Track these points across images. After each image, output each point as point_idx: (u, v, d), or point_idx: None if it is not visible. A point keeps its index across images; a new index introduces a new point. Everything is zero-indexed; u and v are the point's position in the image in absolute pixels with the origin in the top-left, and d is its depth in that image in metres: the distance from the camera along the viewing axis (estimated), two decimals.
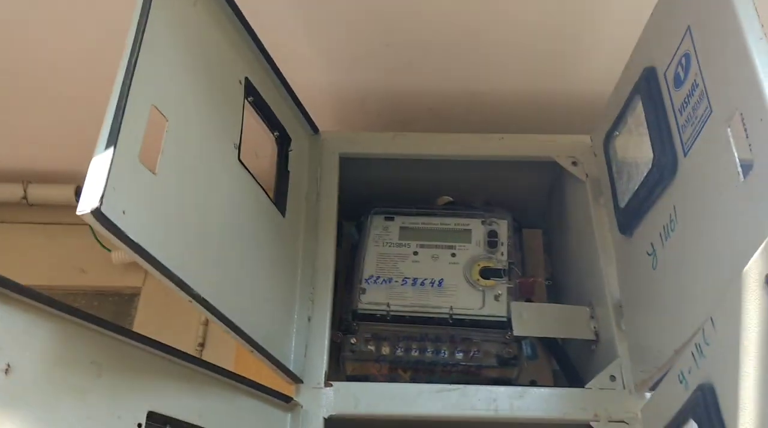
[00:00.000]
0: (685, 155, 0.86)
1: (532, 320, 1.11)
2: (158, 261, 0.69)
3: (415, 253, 1.23)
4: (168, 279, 0.71)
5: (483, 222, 1.25)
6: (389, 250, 1.23)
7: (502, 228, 1.24)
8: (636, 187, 0.97)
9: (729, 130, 0.75)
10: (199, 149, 0.81)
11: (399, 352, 1.16)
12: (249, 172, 0.93)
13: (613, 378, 1.00)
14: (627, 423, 0.96)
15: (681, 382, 0.81)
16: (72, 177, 1.51)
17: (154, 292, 1.46)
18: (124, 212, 0.67)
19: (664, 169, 0.89)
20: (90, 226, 1.56)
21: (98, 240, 1.46)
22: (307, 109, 1.17)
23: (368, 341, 1.16)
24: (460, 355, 1.15)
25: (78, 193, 1.46)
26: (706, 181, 0.81)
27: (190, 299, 0.75)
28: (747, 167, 0.72)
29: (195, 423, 0.82)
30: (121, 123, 0.66)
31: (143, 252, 0.67)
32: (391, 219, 1.27)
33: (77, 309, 0.70)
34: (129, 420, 0.74)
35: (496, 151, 1.22)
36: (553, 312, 1.14)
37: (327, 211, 1.13)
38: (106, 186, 0.63)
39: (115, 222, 0.65)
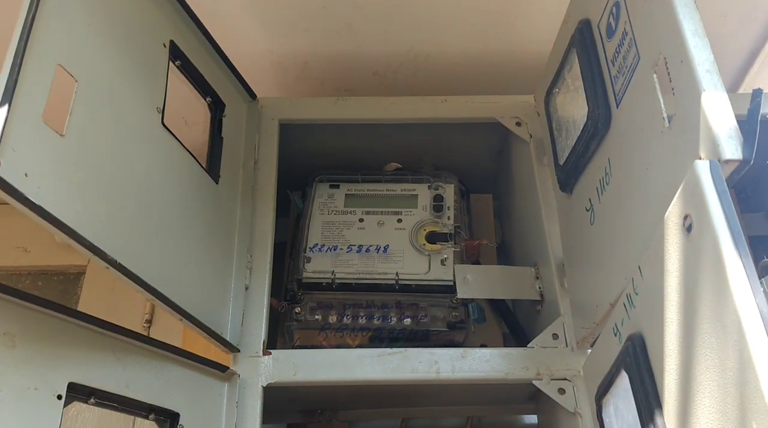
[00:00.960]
0: (617, 106, 0.85)
1: (477, 282, 1.10)
2: (65, 224, 0.66)
3: (361, 220, 1.21)
4: (78, 243, 0.68)
5: (429, 187, 1.23)
6: (334, 218, 1.21)
7: (449, 192, 1.22)
8: (573, 143, 0.96)
9: (655, 75, 0.74)
10: (113, 112, 0.78)
11: (346, 320, 1.15)
12: (175, 137, 0.90)
13: (555, 336, 0.99)
14: (569, 381, 0.95)
15: (615, 335, 0.80)
16: None
17: (99, 271, 1.42)
18: (26, 175, 0.64)
19: (598, 122, 0.88)
20: None
21: None
22: (246, 77, 1.14)
23: (314, 310, 1.15)
24: (407, 321, 1.14)
25: None
26: (635, 130, 0.79)
27: (107, 265, 0.72)
28: (671, 114, 0.71)
29: (123, 394, 0.79)
30: (17, 80, 0.63)
31: (48, 216, 0.65)
32: (336, 186, 1.25)
33: None
34: (47, 392, 0.72)
35: (440, 113, 1.20)
36: (498, 273, 1.13)
37: (266, 178, 1.10)
38: (1, 146, 0.60)
39: (16, 185, 0.62)
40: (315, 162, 1.27)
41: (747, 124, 0.61)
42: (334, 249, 1.17)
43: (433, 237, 1.17)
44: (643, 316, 0.72)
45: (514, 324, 1.18)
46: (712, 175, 0.58)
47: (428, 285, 1.14)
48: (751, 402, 0.49)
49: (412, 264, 1.15)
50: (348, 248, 1.17)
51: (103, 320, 0.79)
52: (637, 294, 0.73)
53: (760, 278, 0.53)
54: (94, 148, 0.74)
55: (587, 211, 0.93)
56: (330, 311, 1.14)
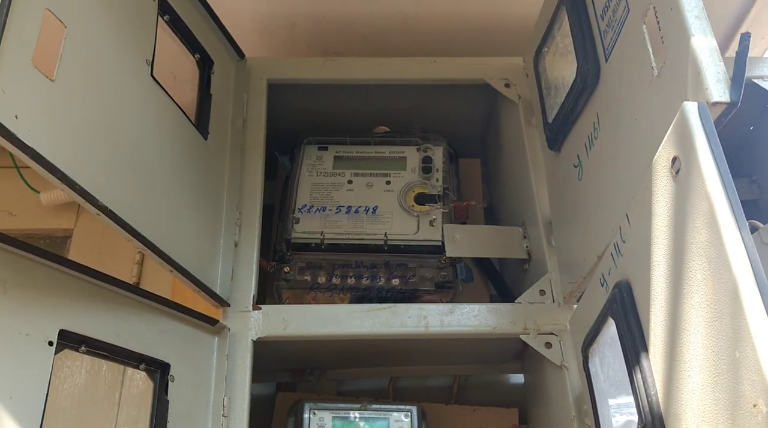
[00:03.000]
0: (606, 61, 0.85)
1: (465, 241, 1.10)
2: (57, 167, 0.66)
3: (350, 182, 1.21)
4: (70, 187, 0.68)
5: (418, 150, 1.24)
6: (323, 180, 1.21)
7: (437, 154, 1.23)
8: (562, 100, 0.96)
9: (644, 26, 0.75)
10: (103, 60, 0.78)
11: (335, 280, 1.15)
12: (164, 89, 0.89)
13: (542, 292, 1.00)
14: (556, 335, 0.97)
15: (602, 285, 0.81)
16: None
17: (86, 234, 1.42)
18: (16, 116, 0.63)
19: (587, 77, 0.88)
20: (17, 168, 1.49)
21: (26, 182, 1.41)
22: (234, 38, 1.13)
23: (303, 270, 1.15)
24: (395, 281, 1.15)
25: None
26: (624, 83, 0.80)
27: (98, 212, 0.72)
28: (661, 63, 0.72)
29: (114, 343, 0.80)
30: (5, 22, 0.62)
31: (39, 158, 0.64)
32: (325, 148, 1.25)
33: None
34: (38, 338, 0.72)
35: (429, 74, 1.20)
36: (486, 233, 1.14)
37: (254, 137, 1.10)
38: None
39: (7, 125, 0.61)
40: (304, 124, 1.27)
41: (735, 66, 0.62)
42: (323, 210, 1.17)
43: (421, 199, 1.17)
44: (629, 263, 0.73)
45: (501, 284, 1.19)
46: (701, 116, 0.59)
47: (417, 246, 1.14)
48: (737, 333, 0.51)
49: (401, 225, 1.16)
50: (337, 209, 1.18)
51: (95, 270, 0.79)
52: (624, 241, 0.74)
53: None
54: (84, 94, 0.74)
55: (575, 167, 0.94)
56: (319, 271, 1.15)
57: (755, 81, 1.16)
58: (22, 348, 0.70)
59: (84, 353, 0.77)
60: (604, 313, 0.77)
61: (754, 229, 0.99)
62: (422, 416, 1.03)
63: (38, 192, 1.42)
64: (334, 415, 1.00)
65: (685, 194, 0.60)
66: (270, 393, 1.20)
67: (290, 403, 1.07)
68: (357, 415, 1.00)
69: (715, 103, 0.60)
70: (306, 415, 1.00)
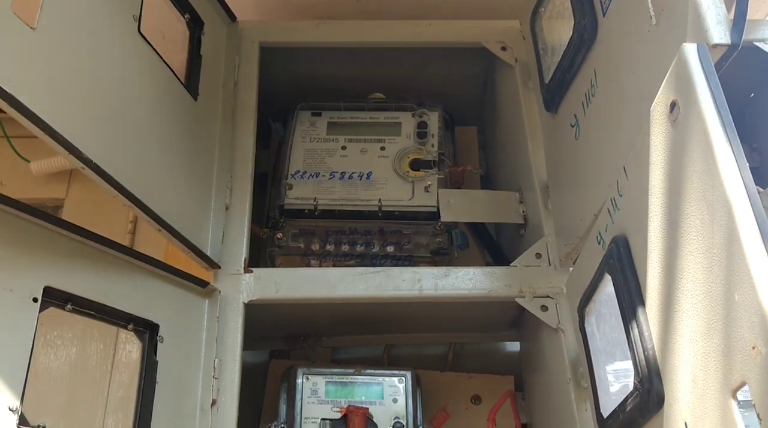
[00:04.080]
0: (604, 15, 0.83)
1: (460, 206, 1.09)
2: (38, 117, 0.64)
3: (344, 148, 1.19)
4: (52, 138, 0.66)
5: (413, 115, 1.22)
6: (316, 146, 1.20)
7: (433, 119, 1.21)
8: (559, 59, 0.94)
9: None
10: (87, 11, 0.76)
11: (329, 247, 1.14)
12: (151, 46, 0.87)
13: (538, 255, 0.99)
14: (552, 298, 0.95)
15: (599, 243, 0.79)
16: None
17: (77, 204, 1.40)
18: None
19: (584, 33, 0.86)
20: (7, 137, 1.46)
21: (16, 152, 1.39)
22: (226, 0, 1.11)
23: (296, 237, 1.14)
24: (390, 248, 1.13)
25: None
26: (622, 36, 0.78)
27: (83, 165, 0.70)
28: (659, 11, 0.70)
29: (101, 301, 0.78)
30: None
31: (19, 106, 0.62)
32: (318, 114, 1.23)
33: None
34: (23, 294, 0.70)
35: (425, 37, 1.18)
36: (482, 197, 1.12)
37: (246, 100, 1.08)
38: None
39: None
40: (297, 90, 1.25)
41: (736, 8, 0.60)
42: (316, 176, 1.16)
43: (416, 165, 1.16)
44: (626, 218, 0.71)
45: (497, 251, 1.17)
46: (700, 58, 0.57)
47: (411, 212, 1.13)
48: (736, 274, 0.49)
49: (396, 191, 1.14)
50: (330, 175, 1.16)
51: (83, 228, 0.77)
52: (621, 196, 0.72)
53: None
54: (68, 45, 0.72)
55: (572, 127, 0.92)
56: (312, 238, 1.14)
57: (756, 44, 1.13)
58: (5, 304, 0.69)
59: (70, 311, 0.76)
60: (601, 270, 0.76)
61: None
62: (416, 382, 1.02)
63: (29, 161, 1.40)
64: (327, 380, 0.99)
65: (683, 138, 0.58)
66: (263, 361, 1.18)
67: (283, 370, 1.06)
68: (351, 380, 0.99)
69: (716, 45, 0.58)
70: (299, 380, 0.98)
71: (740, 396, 0.51)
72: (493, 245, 1.17)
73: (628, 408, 0.68)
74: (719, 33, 0.59)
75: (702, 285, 0.55)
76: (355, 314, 1.05)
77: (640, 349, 0.65)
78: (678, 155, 0.59)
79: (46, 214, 0.74)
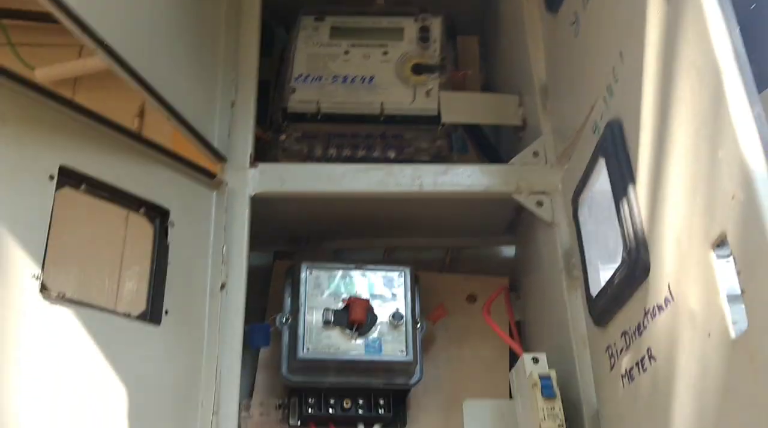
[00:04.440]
0: None
1: (461, 107, 1.11)
2: None
3: (346, 53, 1.20)
4: (66, 15, 0.68)
5: (416, 20, 1.22)
6: (319, 50, 1.21)
7: (435, 25, 1.22)
8: None
9: None
10: None
11: (331, 151, 1.17)
12: None
13: (536, 154, 1.02)
14: (547, 194, 0.98)
15: (594, 132, 0.82)
16: None
17: None
18: None
19: None
20: (11, 45, 1.47)
21: (20, 59, 1.40)
22: None
23: (299, 140, 1.16)
24: (391, 152, 1.16)
25: None
26: None
27: (95, 45, 0.72)
28: None
29: (114, 184, 0.81)
30: None
31: None
32: (321, 19, 1.24)
33: None
34: (40, 171, 0.74)
35: None
36: (482, 100, 1.14)
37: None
38: None
39: None
40: None
41: None
42: (319, 80, 1.17)
43: (418, 69, 1.17)
44: (621, 102, 0.74)
45: (495, 153, 1.20)
46: None
47: (413, 116, 1.15)
48: (721, 133, 0.52)
49: (397, 95, 1.16)
50: (333, 79, 1.17)
51: (97, 113, 0.80)
52: (617, 81, 0.75)
53: None
54: None
55: (572, 25, 0.93)
56: (315, 142, 1.16)
57: None
58: (23, 180, 0.72)
59: (84, 192, 0.79)
60: (595, 155, 0.79)
61: None
62: (415, 278, 1.05)
63: (33, 68, 1.41)
64: (330, 274, 1.02)
65: (676, 12, 0.60)
66: (268, 264, 1.22)
67: (287, 268, 1.10)
68: (352, 275, 1.03)
69: None
70: (303, 274, 1.02)
71: (719, 252, 0.55)
72: (493, 151, 1.20)
73: (616, 282, 0.72)
74: None
75: (689, 150, 0.58)
76: (357, 213, 1.09)
77: (629, 223, 0.69)
78: (671, 29, 0.61)
79: (61, 97, 0.77)
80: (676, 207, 0.60)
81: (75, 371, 0.71)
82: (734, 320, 0.52)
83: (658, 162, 0.64)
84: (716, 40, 0.53)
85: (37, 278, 0.69)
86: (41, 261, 0.71)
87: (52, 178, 0.74)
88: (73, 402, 0.70)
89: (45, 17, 1.24)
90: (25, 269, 0.69)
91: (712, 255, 0.54)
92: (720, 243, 0.54)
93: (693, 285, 0.57)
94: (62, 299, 0.71)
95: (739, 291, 0.50)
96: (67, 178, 0.77)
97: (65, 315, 0.71)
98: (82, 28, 0.70)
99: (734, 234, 0.50)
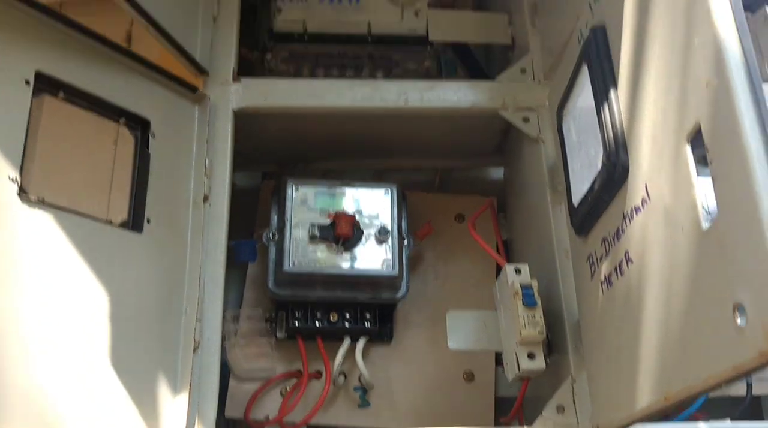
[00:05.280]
0: None
1: (450, 26, 1.10)
2: None
3: None
4: None
5: None
6: None
7: None
8: None
9: None
10: None
11: (318, 71, 1.15)
12: None
13: (523, 70, 1.01)
14: (534, 110, 0.98)
15: (579, 42, 0.81)
16: None
17: None
18: None
19: None
20: None
21: None
22: None
23: (285, 60, 1.15)
24: (379, 73, 1.15)
25: None
26: None
27: None
28: None
29: (93, 92, 0.80)
30: None
31: None
32: None
33: None
34: (14, 76, 0.73)
35: None
36: (471, 18, 1.12)
37: None
38: None
39: None
40: None
41: None
42: (305, 0, 1.15)
43: None
44: (605, 6, 0.73)
45: (484, 75, 1.18)
46: None
47: (401, 36, 1.13)
48: (696, 20, 0.51)
49: (385, 15, 1.14)
50: None
51: (75, 21, 0.78)
52: None
53: None
54: None
55: None
56: (302, 62, 1.15)
57: None
58: None
59: (62, 100, 0.78)
60: (579, 62, 0.78)
61: None
62: (402, 196, 1.05)
63: None
64: (316, 191, 1.02)
65: None
66: (256, 185, 1.22)
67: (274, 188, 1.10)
68: (339, 191, 1.02)
69: None
70: (289, 191, 1.01)
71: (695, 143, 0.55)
72: (480, 69, 1.18)
73: (596, 187, 0.72)
74: None
75: (666, 43, 0.57)
76: (344, 132, 1.08)
77: (609, 127, 0.68)
78: None
79: (40, 4, 0.75)
80: (654, 104, 0.59)
81: (56, 275, 0.71)
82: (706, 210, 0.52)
83: (638, 62, 0.63)
84: None
85: (14, 181, 0.69)
86: (19, 164, 0.70)
87: (28, 82, 0.73)
88: (56, 306, 0.70)
89: None
90: (1, 170, 0.68)
91: (687, 148, 0.54)
92: (695, 135, 0.53)
93: (668, 181, 0.57)
94: (42, 203, 0.71)
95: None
96: (45, 84, 0.76)
97: (45, 219, 0.71)
98: None
99: (708, 122, 0.50)
